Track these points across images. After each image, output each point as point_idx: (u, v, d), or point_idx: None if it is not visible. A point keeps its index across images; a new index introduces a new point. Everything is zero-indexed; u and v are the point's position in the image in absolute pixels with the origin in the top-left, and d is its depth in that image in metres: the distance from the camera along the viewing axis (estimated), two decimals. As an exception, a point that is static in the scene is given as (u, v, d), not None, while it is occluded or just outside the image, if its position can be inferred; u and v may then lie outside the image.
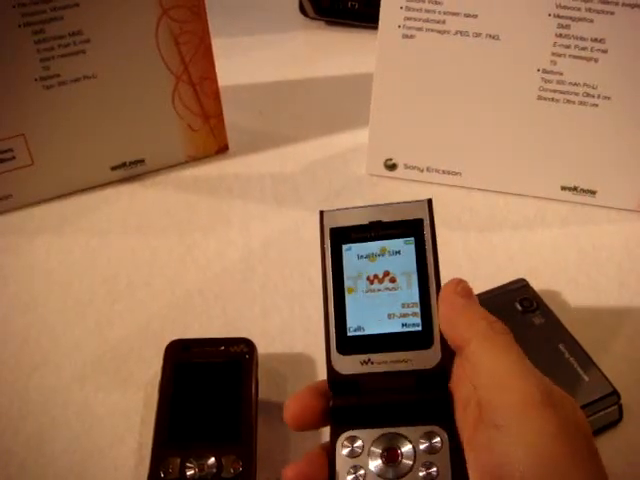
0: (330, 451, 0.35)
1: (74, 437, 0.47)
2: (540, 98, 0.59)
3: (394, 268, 0.37)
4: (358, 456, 0.35)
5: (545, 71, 0.58)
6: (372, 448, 0.35)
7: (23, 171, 0.61)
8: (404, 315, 0.36)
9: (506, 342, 0.34)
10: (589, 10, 0.55)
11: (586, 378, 0.48)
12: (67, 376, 0.51)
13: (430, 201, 0.38)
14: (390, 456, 0.34)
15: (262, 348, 0.50)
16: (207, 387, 0.47)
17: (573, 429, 0.31)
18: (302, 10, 0.87)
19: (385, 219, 0.38)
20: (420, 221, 0.38)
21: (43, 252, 0.60)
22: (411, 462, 0.34)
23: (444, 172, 0.64)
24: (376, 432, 0.35)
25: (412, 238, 0.37)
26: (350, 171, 0.67)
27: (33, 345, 0.53)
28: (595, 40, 0.56)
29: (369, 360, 0.36)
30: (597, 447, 0.31)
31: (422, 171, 0.65)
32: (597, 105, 0.58)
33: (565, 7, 0.55)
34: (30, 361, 0.52)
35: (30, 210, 0.63)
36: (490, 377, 0.33)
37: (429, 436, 0.34)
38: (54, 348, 0.53)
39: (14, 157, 0.60)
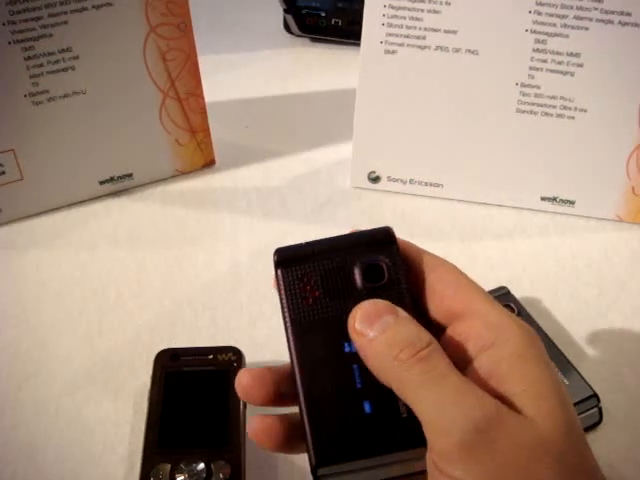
0: None
1: (65, 446, 0.48)
2: (519, 111, 0.60)
3: None
4: None
5: (523, 85, 0.59)
6: None
7: (13, 186, 0.62)
8: None
9: (434, 375, 0.30)
10: (564, 26, 0.57)
11: (566, 382, 0.49)
12: (58, 386, 0.51)
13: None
14: None
15: (250, 357, 0.50)
16: (196, 395, 0.48)
17: (521, 458, 0.28)
18: (287, 28, 0.88)
19: None
20: None
21: (33, 266, 0.60)
22: None
23: (426, 184, 0.66)
24: None
25: None
26: (335, 184, 0.68)
27: (24, 356, 0.53)
28: (571, 55, 0.57)
29: None
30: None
31: (405, 183, 0.66)
32: (574, 117, 0.60)
33: (541, 23, 0.57)
34: (21, 372, 0.52)
35: (20, 224, 0.64)
36: (422, 422, 0.30)
37: None
38: (45, 359, 0.53)
39: (4, 172, 0.61)
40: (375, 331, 0.32)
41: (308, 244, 0.36)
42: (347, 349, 0.33)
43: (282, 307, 0.35)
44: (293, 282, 0.35)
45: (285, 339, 0.34)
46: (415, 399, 0.30)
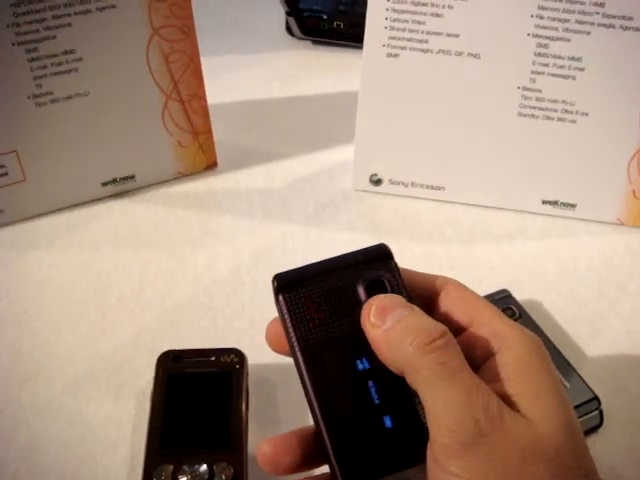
0: None
1: (67, 446, 0.48)
2: (520, 115, 0.60)
3: None
4: None
5: (525, 88, 0.59)
6: None
7: (15, 187, 0.62)
8: None
9: (447, 368, 0.31)
10: (566, 30, 0.57)
11: (567, 385, 0.49)
12: (60, 386, 0.51)
13: None
14: None
15: (252, 358, 0.50)
16: (198, 396, 0.48)
17: (517, 458, 0.29)
18: (289, 30, 0.88)
19: None
20: None
21: (35, 266, 0.60)
22: None
23: (428, 187, 0.66)
24: None
25: None
26: (336, 186, 0.68)
27: (26, 356, 0.53)
28: (572, 59, 0.58)
29: None
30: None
31: (407, 186, 0.66)
32: (575, 121, 0.60)
33: (543, 27, 0.57)
34: (23, 372, 0.52)
35: (22, 225, 0.64)
36: (428, 413, 0.31)
37: None
38: (47, 359, 0.53)
39: (7, 173, 0.61)
40: (390, 322, 0.32)
41: (306, 267, 0.35)
42: (360, 367, 0.33)
43: (288, 332, 0.34)
44: (297, 306, 0.34)
45: (294, 363, 0.34)
46: (426, 390, 0.31)
